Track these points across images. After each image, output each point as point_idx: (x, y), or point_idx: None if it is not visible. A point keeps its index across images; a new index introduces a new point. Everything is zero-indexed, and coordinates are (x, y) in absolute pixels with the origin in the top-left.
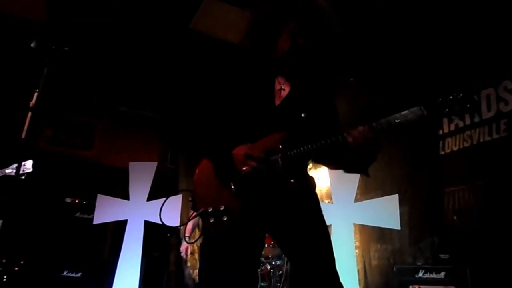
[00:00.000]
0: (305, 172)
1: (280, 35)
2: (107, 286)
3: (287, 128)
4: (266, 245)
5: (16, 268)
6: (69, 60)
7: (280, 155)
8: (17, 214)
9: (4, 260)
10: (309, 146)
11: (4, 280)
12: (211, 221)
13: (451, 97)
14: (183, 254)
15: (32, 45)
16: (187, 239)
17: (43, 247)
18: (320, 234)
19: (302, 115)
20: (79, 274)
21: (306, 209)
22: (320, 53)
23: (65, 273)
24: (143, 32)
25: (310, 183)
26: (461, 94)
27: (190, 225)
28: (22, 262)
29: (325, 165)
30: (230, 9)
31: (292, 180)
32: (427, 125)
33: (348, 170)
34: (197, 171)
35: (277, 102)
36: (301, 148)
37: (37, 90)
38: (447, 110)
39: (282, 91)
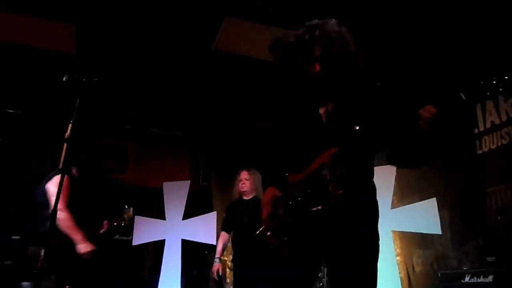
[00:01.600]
0: (364, 183)
1: (309, 60)
2: None
3: (339, 143)
4: None
5: None
6: (100, 88)
7: (328, 169)
8: (60, 240)
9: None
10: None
11: None
12: (268, 234)
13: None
14: (214, 275)
15: (64, 79)
16: (217, 260)
17: (86, 270)
18: (360, 254)
19: (356, 128)
20: None
21: (349, 225)
22: (347, 70)
23: None
24: (168, 53)
25: (368, 194)
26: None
27: (220, 245)
28: (67, 286)
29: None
30: (250, 26)
31: (340, 192)
32: (462, 124)
33: (413, 166)
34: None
35: (325, 122)
36: (351, 159)
37: (71, 121)
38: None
39: (327, 112)
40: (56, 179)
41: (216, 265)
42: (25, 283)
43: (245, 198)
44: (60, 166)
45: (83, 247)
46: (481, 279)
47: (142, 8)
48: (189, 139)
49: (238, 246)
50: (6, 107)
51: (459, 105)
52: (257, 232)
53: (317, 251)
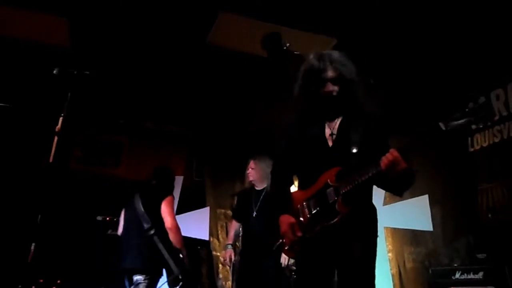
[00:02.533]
0: (363, 200)
1: (321, 85)
2: None
3: (341, 163)
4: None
5: None
6: (93, 82)
7: (332, 188)
8: (51, 234)
9: (41, 280)
10: (357, 178)
11: None
12: (286, 248)
13: (467, 109)
14: (227, 260)
15: (54, 72)
16: (229, 246)
17: (79, 265)
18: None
19: (354, 150)
20: None
21: (351, 237)
22: (356, 97)
23: None
24: (162, 47)
25: (368, 211)
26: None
27: (232, 232)
28: (59, 281)
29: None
30: (244, 21)
31: (347, 210)
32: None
33: (395, 193)
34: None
35: (330, 144)
36: (350, 179)
37: (62, 115)
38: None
39: (333, 135)
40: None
41: (228, 251)
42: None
43: (257, 188)
44: (51, 160)
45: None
46: (471, 276)
47: (137, 2)
48: (183, 135)
49: (246, 239)
50: None
51: (438, 135)
52: (275, 247)
53: (329, 261)
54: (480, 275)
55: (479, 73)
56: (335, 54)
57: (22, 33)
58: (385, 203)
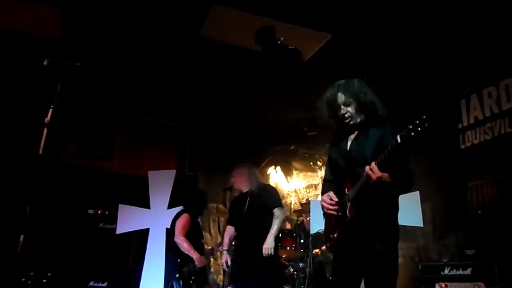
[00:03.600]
0: (372, 204)
1: (337, 110)
2: None
3: (356, 174)
4: (288, 248)
5: (44, 280)
6: (85, 74)
7: (347, 195)
8: (43, 227)
9: (32, 273)
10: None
11: None
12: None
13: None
14: (224, 266)
15: (44, 63)
16: (224, 252)
17: (69, 258)
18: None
19: (368, 159)
20: (105, 284)
21: (359, 234)
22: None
23: (91, 284)
24: (156, 41)
25: (377, 212)
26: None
27: (226, 238)
28: (49, 274)
29: None
30: (238, 14)
31: (348, 215)
32: (446, 119)
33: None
34: None
35: (347, 157)
36: (354, 187)
37: (52, 106)
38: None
39: (350, 147)
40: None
41: (224, 257)
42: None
43: (244, 191)
44: (40, 152)
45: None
46: (460, 271)
47: None
48: (176, 129)
49: (238, 237)
50: None
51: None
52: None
53: (354, 266)
54: (468, 271)
55: (471, 71)
56: (351, 82)
57: (12, 24)
58: None
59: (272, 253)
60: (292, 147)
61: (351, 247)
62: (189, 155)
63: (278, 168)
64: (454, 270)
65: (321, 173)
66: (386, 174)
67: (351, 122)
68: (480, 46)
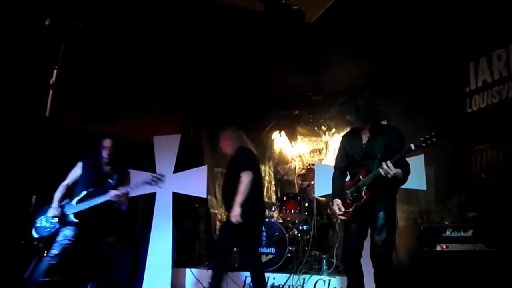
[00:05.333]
0: (382, 188)
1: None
2: (142, 255)
3: (367, 165)
4: (292, 211)
5: None
6: (87, 36)
7: (362, 181)
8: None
9: None
10: (370, 175)
11: None
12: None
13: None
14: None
15: (46, 22)
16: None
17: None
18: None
19: (378, 156)
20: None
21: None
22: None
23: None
24: (159, 4)
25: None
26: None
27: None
28: None
29: None
30: None
31: (365, 196)
32: (453, 82)
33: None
34: None
35: (363, 152)
36: (370, 175)
37: (56, 67)
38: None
39: (364, 145)
40: None
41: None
42: None
43: (230, 155)
44: (47, 113)
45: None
46: (461, 233)
47: None
48: (180, 94)
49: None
50: None
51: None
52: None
53: (364, 223)
54: (469, 232)
55: (481, 34)
56: (360, 97)
57: None
58: None
59: (240, 220)
60: (296, 112)
61: (363, 216)
62: (193, 120)
63: (283, 133)
64: (455, 232)
65: (326, 137)
66: (400, 170)
67: (362, 129)
68: (490, 9)
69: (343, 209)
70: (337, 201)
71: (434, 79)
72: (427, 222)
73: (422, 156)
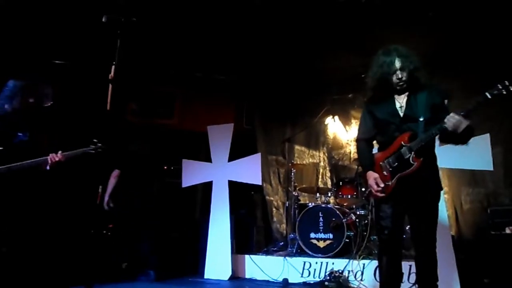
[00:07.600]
0: (429, 153)
1: (393, 74)
2: (203, 242)
3: (411, 129)
4: (349, 196)
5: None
6: (141, 31)
7: (406, 147)
8: (119, 182)
9: (111, 225)
10: (423, 137)
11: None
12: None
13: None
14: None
15: (103, 19)
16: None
17: (138, 213)
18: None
19: (421, 119)
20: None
21: (422, 184)
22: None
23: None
24: None
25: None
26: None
27: None
28: (111, 225)
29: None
30: None
31: (415, 163)
32: None
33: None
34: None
35: (401, 115)
36: (418, 139)
37: (114, 63)
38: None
39: (402, 108)
40: None
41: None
42: None
43: None
44: (108, 107)
45: None
46: None
47: None
48: (232, 83)
49: None
50: (51, 58)
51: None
52: (365, 195)
53: (402, 205)
54: None
55: None
56: (400, 48)
57: None
58: (441, 144)
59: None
60: (350, 95)
61: (409, 191)
62: (246, 109)
63: (336, 117)
64: None
65: None
66: (470, 121)
67: (404, 86)
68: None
69: (382, 184)
70: (374, 174)
71: (498, 54)
72: (495, 204)
73: (487, 135)
